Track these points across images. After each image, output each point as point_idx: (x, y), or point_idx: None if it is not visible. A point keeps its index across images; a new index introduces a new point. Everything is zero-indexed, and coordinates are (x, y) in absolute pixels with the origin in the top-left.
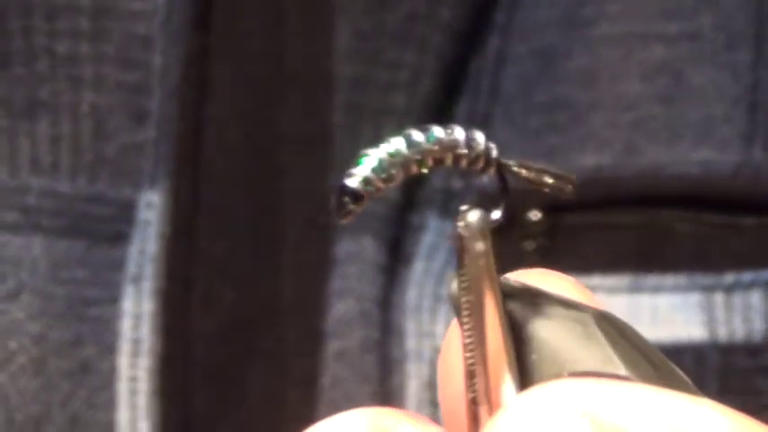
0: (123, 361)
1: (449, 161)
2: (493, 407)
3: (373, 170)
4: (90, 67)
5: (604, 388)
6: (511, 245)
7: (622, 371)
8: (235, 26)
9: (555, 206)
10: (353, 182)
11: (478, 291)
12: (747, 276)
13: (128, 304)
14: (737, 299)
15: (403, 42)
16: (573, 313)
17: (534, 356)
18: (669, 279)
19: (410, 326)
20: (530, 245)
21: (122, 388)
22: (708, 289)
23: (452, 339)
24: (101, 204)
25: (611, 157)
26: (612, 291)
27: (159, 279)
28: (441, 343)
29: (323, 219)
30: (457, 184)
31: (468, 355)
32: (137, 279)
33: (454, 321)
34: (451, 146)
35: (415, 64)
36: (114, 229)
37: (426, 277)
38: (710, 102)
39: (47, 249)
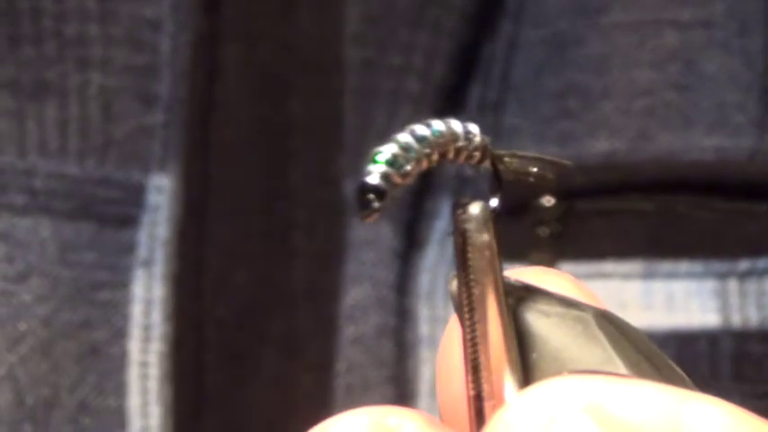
0: (134, 346)
1: (451, 154)
2: (497, 402)
3: (390, 166)
4: (98, 49)
5: (606, 383)
6: (524, 231)
7: (622, 370)
8: (245, 9)
9: (568, 192)
10: (374, 178)
11: (484, 283)
12: (762, 263)
13: (138, 289)
14: (752, 285)
15: (415, 25)
16: (573, 312)
17: (535, 355)
18: (683, 265)
19: (423, 311)
20: (543, 231)
21: (133, 373)
22: (722, 275)
23: (451, 338)
24: (109, 187)
25: (624, 143)
26: (626, 277)
27: (170, 263)
28: None
29: (334, 203)
30: (469, 170)
31: (471, 350)
32: (147, 263)
33: (452, 320)
34: (453, 138)
35: (428, 47)
36: (123, 212)
37: (440, 262)
38: (723, 88)
39: (55, 232)
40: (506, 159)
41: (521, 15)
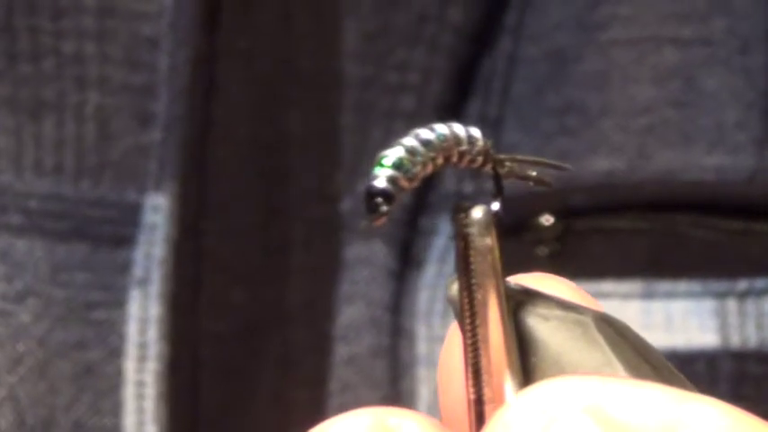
0: (130, 365)
1: (455, 158)
2: (498, 405)
3: (397, 169)
4: (95, 68)
5: (606, 384)
6: (523, 250)
7: (622, 373)
8: (243, 27)
9: (567, 211)
10: (381, 182)
11: (485, 287)
12: (760, 283)
13: (134, 308)
14: (750, 305)
15: (412, 43)
16: (573, 316)
17: (534, 359)
18: (682, 285)
19: (421, 330)
20: (542, 250)
21: (129, 392)
22: (721, 295)
23: (452, 344)
24: (104, 207)
25: (623, 161)
26: (625, 296)
27: (166, 283)
28: None
29: (331, 220)
30: (468, 187)
31: (472, 354)
32: (143, 283)
33: (453, 326)
34: (457, 142)
35: (424, 65)
36: (118, 232)
37: (438, 281)
38: (724, 106)
39: (48, 253)
40: (507, 163)
41: (520, 31)
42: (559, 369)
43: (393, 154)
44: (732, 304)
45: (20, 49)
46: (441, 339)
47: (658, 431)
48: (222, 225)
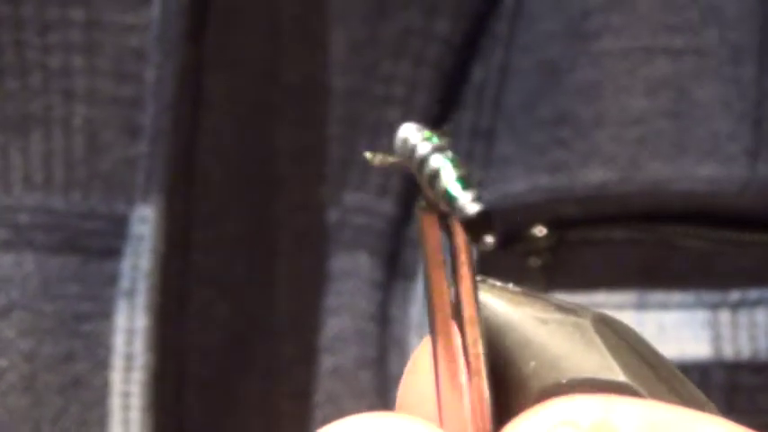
0: (116, 376)
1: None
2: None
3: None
4: (83, 81)
5: (613, 404)
6: (516, 261)
7: (621, 377)
8: (230, 38)
9: (560, 222)
10: (477, 204)
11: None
12: (753, 294)
13: (121, 319)
14: (743, 316)
15: (398, 56)
16: (572, 318)
17: (533, 363)
18: (675, 296)
19: (414, 341)
20: (534, 261)
21: (115, 403)
22: (714, 306)
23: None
24: (94, 220)
25: (615, 172)
26: (619, 307)
27: (153, 294)
28: None
29: (317, 232)
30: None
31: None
32: (130, 294)
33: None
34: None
35: (409, 77)
36: (107, 243)
37: None
38: (716, 117)
39: (39, 266)
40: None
41: (512, 42)
42: (558, 374)
43: (457, 173)
44: (725, 315)
45: (6, 64)
46: None
47: None
48: (209, 237)
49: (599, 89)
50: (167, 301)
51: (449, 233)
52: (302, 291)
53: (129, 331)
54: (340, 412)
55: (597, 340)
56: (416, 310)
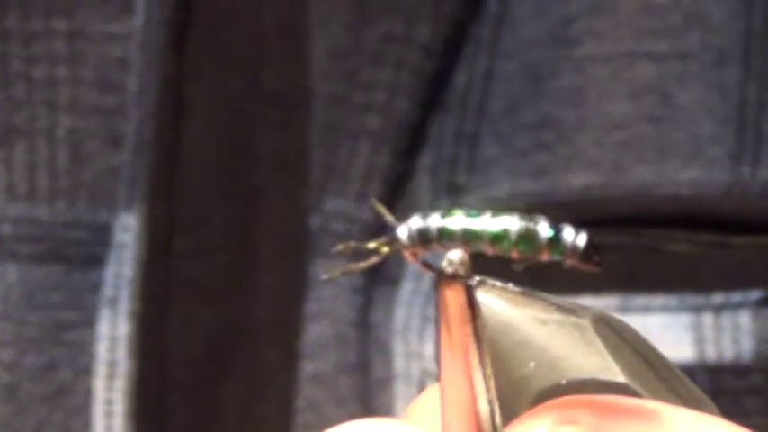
0: (99, 383)
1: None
2: None
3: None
4: (66, 91)
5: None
6: (500, 265)
7: (621, 378)
8: (212, 46)
9: None
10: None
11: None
12: (736, 296)
13: (104, 327)
14: (726, 319)
15: (378, 62)
16: (571, 319)
17: (533, 364)
18: (659, 299)
19: (398, 346)
20: (519, 266)
21: (98, 411)
22: (697, 309)
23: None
24: (77, 229)
25: (599, 177)
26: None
27: (135, 302)
28: (429, 364)
29: (299, 238)
30: (445, 203)
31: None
32: (113, 302)
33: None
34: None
35: (389, 84)
36: (90, 252)
37: (414, 297)
38: (699, 121)
39: (22, 277)
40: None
41: (496, 47)
42: (558, 375)
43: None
44: (708, 318)
45: None
46: (417, 356)
47: None
48: (191, 244)
49: (582, 94)
50: (149, 307)
51: (471, 304)
52: (284, 297)
53: (112, 338)
54: (320, 418)
55: (597, 340)
56: (401, 314)
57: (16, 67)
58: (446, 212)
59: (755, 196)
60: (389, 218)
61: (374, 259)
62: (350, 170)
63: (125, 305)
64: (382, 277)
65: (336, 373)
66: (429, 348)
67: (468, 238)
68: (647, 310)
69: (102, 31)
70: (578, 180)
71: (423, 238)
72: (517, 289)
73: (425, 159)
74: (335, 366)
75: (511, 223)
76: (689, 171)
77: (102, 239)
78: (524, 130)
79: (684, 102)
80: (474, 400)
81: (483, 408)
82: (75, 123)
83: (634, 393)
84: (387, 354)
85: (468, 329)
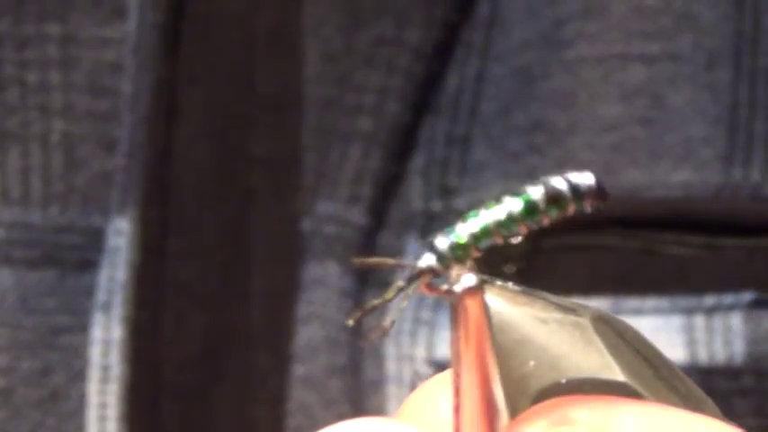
0: (92, 388)
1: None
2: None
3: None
4: (60, 96)
5: (618, 408)
6: (490, 268)
7: (621, 377)
8: (205, 50)
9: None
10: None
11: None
12: (728, 298)
13: (97, 331)
14: (718, 321)
15: (369, 65)
16: (571, 318)
17: (533, 363)
18: (650, 301)
19: (390, 349)
20: (509, 268)
21: (91, 415)
22: (688, 311)
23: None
24: (71, 233)
25: None
26: None
27: (128, 306)
28: (420, 367)
29: (291, 241)
30: (436, 206)
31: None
32: (106, 306)
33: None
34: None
35: (380, 86)
36: (84, 256)
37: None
38: (690, 123)
39: (16, 281)
40: None
41: (487, 50)
42: (558, 374)
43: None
44: (700, 320)
45: None
46: (409, 358)
47: None
48: (184, 248)
49: (573, 96)
50: (142, 311)
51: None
52: (276, 300)
53: (106, 343)
54: (311, 420)
55: (597, 339)
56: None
57: (9, 71)
58: (462, 218)
59: (747, 198)
60: (391, 261)
61: (404, 303)
62: (341, 173)
63: (118, 310)
64: (371, 281)
65: (327, 375)
66: (420, 351)
67: (501, 226)
68: (638, 312)
69: (95, 36)
70: None
71: (460, 251)
72: (517, 288)
73: (417, 162)
74: (326, 369)
75: (534, 192)
76: (680, 173)
77: (95, 244)
78: (516, 133)
79: (676, 103)
80: (492, 401)
81: (501, 410)
82: (69, 128)
83: (634, 392)
84: (378, 357)
85: (487, 335)
